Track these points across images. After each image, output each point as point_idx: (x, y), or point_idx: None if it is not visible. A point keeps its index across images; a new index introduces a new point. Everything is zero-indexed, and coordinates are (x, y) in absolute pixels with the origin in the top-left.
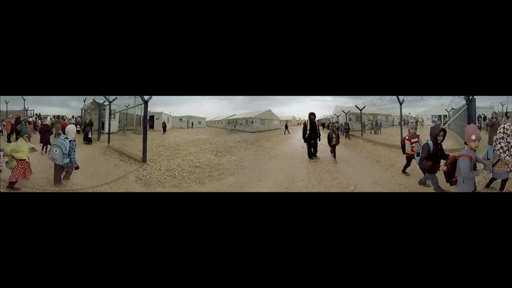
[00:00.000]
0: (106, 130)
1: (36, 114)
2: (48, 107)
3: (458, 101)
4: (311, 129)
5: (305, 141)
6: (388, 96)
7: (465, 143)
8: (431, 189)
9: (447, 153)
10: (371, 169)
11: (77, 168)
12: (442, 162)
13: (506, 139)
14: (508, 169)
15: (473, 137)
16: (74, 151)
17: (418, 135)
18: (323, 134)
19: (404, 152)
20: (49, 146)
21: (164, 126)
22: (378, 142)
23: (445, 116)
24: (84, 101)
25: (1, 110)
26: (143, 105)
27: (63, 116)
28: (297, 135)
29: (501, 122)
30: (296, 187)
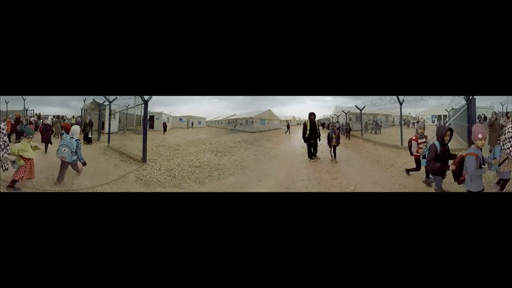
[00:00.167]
0: (106, 130)
1: (36, 114)
2: (48, 107)
3: (458, 101)
4: (311, 129)
5: (305, 141)
6: (388, 96)
7: (472, 142)
8: (431, 189)
9: (453, 153)
10: (371, 169)
11: (84, 164)
12: (450, 162)
13: None
14: (511, 169)
15: (480, 135)
16: (80, 149)
17: (426, 136)
18: (323, 134)
19: (411, 153)
20: (49, 146)
21: (164, 126)
22: (378, 142)
23: (445, 116)
24: (84, 101)
25: (1, 110)
26: (143, 105)
27: (63, 116)
28: (297, 135)
29: (507, 122)
30: (296, 187)
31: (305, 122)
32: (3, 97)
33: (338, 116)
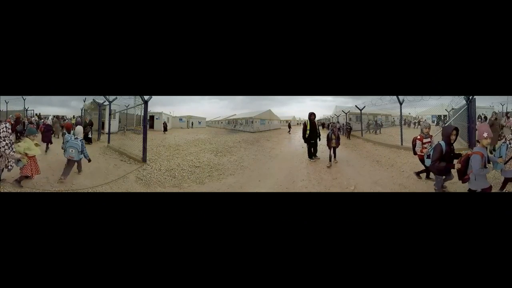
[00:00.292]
0: (106, 130)
1: (36, 114)
2: (48, 107)
3: (458, 101)
4: (311, 129)
5: (305, 141)
6: (388, 96)
7: (477, 141)
8: (431, 189)
9: (457, 152)
10: (371, 169)
11: (89, 161)
12: (455, 161)
13: None
14: None
15: (485, 134)
16: (85, 147)
17: (431, 136)
18: (323, 134)
19: (415, 153)
20: (49, 145)
21: (165, 126)
22: (378, 142)
23: (445, 116)
24: (84, 101)
25: (1, 110)
26: (143, 105)
27: (63, 116)
28: (297, 135)
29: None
30: (296, 187)
31: (305, 122)
32: (3, 97)
33: (338, 116)
